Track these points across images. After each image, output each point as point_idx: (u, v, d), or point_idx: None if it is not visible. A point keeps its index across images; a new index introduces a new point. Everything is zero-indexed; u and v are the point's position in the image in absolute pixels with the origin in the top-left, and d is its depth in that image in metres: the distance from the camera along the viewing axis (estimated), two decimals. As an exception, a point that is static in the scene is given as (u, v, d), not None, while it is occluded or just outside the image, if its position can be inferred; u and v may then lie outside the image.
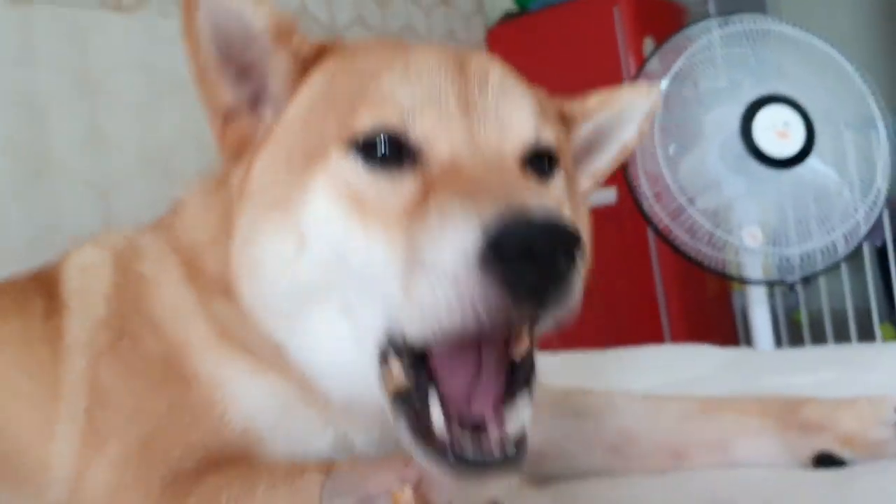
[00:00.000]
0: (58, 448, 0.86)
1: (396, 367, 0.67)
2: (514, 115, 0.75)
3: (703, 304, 3.71)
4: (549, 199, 0.76)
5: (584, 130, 0.94)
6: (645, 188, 2.25)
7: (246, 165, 0.80)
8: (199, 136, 2.35)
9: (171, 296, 0.87)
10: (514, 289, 0.57)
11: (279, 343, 0.78)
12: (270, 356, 0.80)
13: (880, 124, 2.15)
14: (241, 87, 0.80)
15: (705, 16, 4.64)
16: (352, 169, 0.71)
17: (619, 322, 3.34)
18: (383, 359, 0.68)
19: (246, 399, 0.81)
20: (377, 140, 0.71)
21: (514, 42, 3.65)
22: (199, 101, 0.80)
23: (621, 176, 3.34)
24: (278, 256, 0.74)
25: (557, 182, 0.80)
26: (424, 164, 0.70)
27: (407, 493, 0.67)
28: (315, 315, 0.74)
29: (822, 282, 3.50)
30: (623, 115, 0.96)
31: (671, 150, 2.22)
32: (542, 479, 0.94)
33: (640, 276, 3.49)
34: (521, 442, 0.63)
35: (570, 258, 0.58)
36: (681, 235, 2.24)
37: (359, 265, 0.69)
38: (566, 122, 0.91)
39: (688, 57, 2.19)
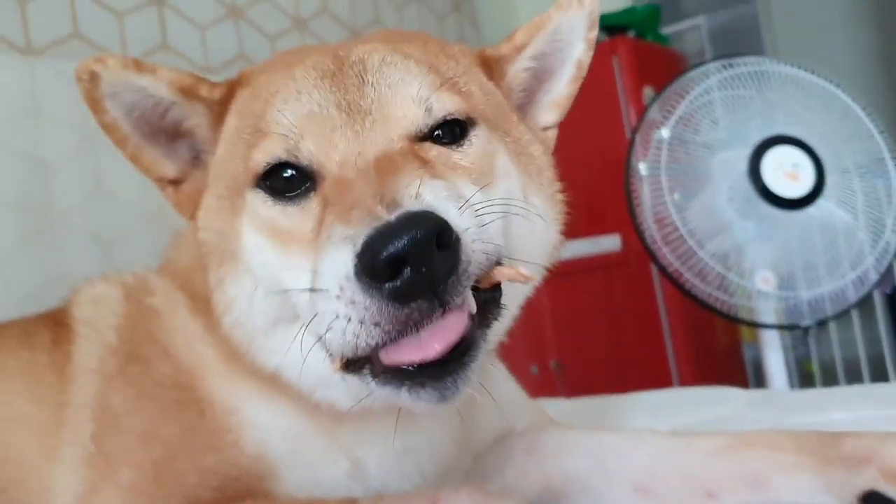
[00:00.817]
0: (62, 474, 0.84)
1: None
2: (398, 99, 0.75)
3: (712, 355, 3.67)
4: (452, 167, 0.76)
5: (520, 65, 0.93)
6: (653, 232, 2.23)
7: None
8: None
9: (180, 325, 0.88)
10: (400, 293, 0.60)
11: (271, 367, 0.79)
12: (271, 377, 0.81)
13: (891, 166, 2.13)
14: (177, 152, 0.83)
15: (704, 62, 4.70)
16: (262, 204, 0.74)
17: (627, 372, 3.29)
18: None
19: (259, 425, 0.81)
20: (275, 172, 0.73)
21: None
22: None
23: (626, 223, 3.36)
24: (243, 298, 0.77)
25: (474, 141, 0.80)
26: (321, 182, 0.72)
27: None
28: (289, 335, 0.75)
29: (832, 330, 3.46)
30: (562, 34, 0.93)
31: (676, 196, 2.21)
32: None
33: (648, 324, 3.44)
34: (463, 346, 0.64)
35: (444, 243, 0.61)
36: (691, 280, 2.21)
37: (288, 282, 0.72)
38: (492, 66, 0.89)
39: (690, 101, 2.19)
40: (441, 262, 0.61)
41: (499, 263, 0.69)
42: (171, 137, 0.83)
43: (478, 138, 0.80)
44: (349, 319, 0.62)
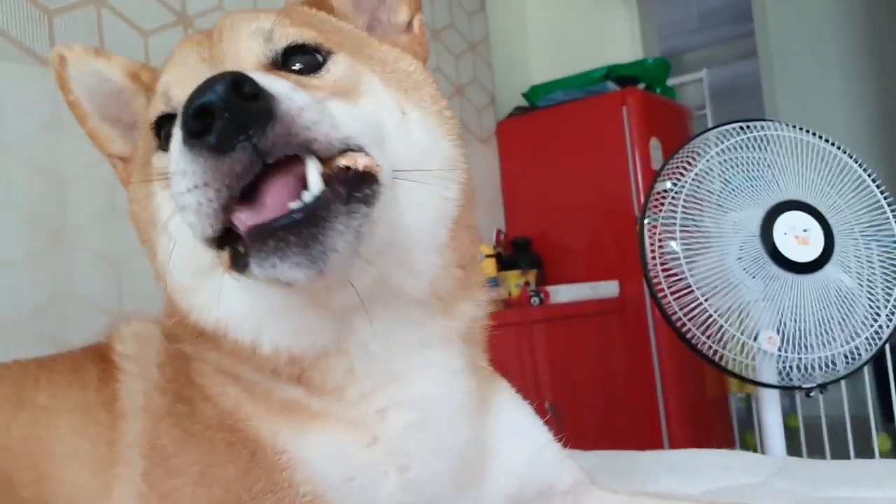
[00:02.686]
0: None
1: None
2: (240, 39, 0.81)
3: (701, 404, 3.70)
4: (326, 82, 0.79)
5: None
6: (661, 280, 2.26)
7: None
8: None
9: (207, 371, 0.89)
10: (214, 145, 0.63)
11: (211, 323, 0.82)
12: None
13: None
14: (130, 132, 0.92)
15: (703, 119, 4.77)
16: (158, 158, 0.81)
17: (617, 415, 3.30)
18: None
19: (310, 459, 0.81)
20: (164, 127, 0.80)
21: (524, 134, 3.71)
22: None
23: (625, 270, 3.41)
24: (167, 260, 0.81)
25: (332, 68, 0.82)
26: None
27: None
28: (213, 283, 0.78)
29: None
30: None
31: (685, 250, 2.24)
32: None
33: (640, 370, 3.48)
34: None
35: (250, 95, 0.63)
36: (694, 332, 2.24)
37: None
38: (322, 5, 0.93)
39: (707, 160, 2.23)
40: (247, 109, 0.63)
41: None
42: (126, 119, 0.92)
43: (337, 65, 0.82)
44: (189, 189, 0.64)
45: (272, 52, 0.81)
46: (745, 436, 4.09)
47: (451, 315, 0.88)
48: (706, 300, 2.21)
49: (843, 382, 3.36)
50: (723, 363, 2.23)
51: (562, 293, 3.17)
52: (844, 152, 2.17)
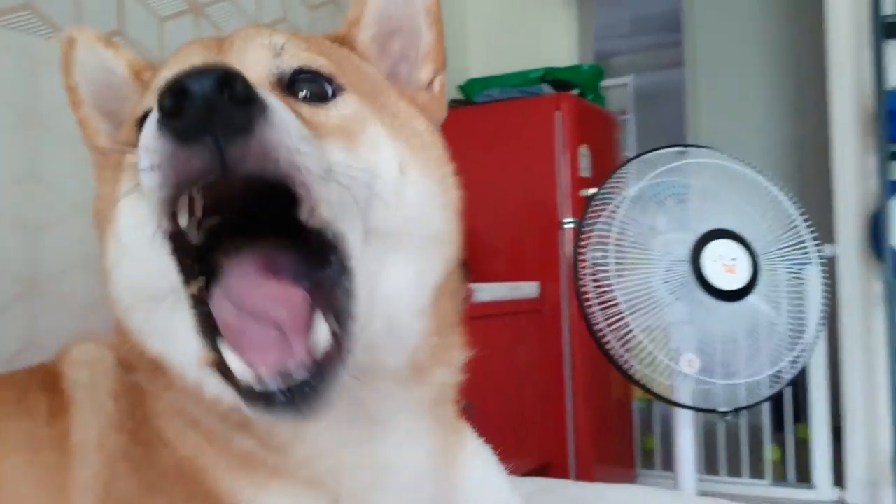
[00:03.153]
0: None
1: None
2: (250, 50, 0.77)
3: (606, 405, 3.80)
4: (330, 118, 0.75)
5: (366, 35, 0.91)
6: (590, 289, 2.30)
7: None
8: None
9: (163, 412, 0.83)
10: (183, 131, 0.57)
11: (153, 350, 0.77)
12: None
13: (818, 274, 2.27)
14: (119, 130, 0.87)
15: (625, 124, 4.87)
16: (133, 156, 0.71)
17: (526, 412, 3.36)
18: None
19: None
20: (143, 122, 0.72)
21: (457, 128, 3.65)
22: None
23: (545, 272, 3.46)
24: (112, 265, 0.77)
25: (340, 103, 0.77)
26: None
27: None
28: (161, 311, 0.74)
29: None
30: (398, 5, 0.92)
31: (616, 266, 2.28)
32: None
33: (551, 370, 3.55)
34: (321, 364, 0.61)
35: (241, 97, 0.58)
36: (614, 345, 2.29)
37: None
38: (343, 38, 0.90)
39: (644, 182, 2.28)
40: (228, 106, 0.58)
41: None
42: (120, 115, 0.87)
43: (346, 103, 0.78)
44: (150, 167, 0.60)
45: (279, 70, 0.76)
46: (644, 438, 4.23)
47: (424, 383, 0.84)
48: (630, 315, 2.27)
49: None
50: (637, 378, 2.30)
51: (484, 292, 3.20)
52: (776, 185, 2.24)
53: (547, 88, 3.59)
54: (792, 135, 5.34)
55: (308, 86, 0.76)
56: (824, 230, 3.58)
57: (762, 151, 5.29)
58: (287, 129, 0.61)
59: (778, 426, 4.08)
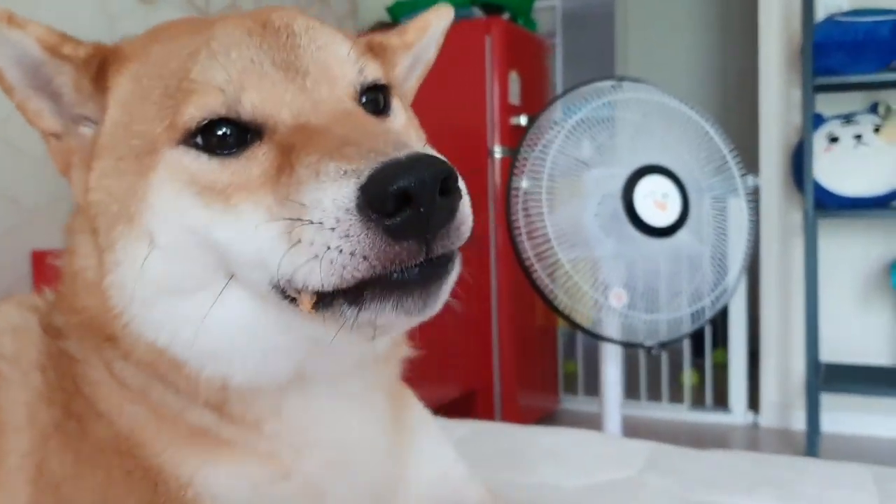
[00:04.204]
0: None
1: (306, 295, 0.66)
2: (332, 59, 0.76)
3: (531, 331, 3.84)
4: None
5: (406, 61, 0.96)
6: (521, 222, 2.28)
7: (81, 185, 0.78)
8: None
9: (100, 378, 0.79)
10: (396, 230, 0.60)
11: (157, 342, 0.74)
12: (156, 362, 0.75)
13: (744, 202, 2.29)
14: (61, 107, 0.80)
15: (553, 48, 4.81)
16: (194, 160, 0.70)
17: (454, 339, 3.37)
18: (287, 297, 0.68)
19: (218, 497, 0.75)
20: (209, 128, 0.70)
21: (383, 52, 3.59)
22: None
23: (476, 203, 3.42)
24: (132, 262, 0.72)
25: (396, 114, 0.81)
26: (270, 134, 0.70)
27: None
28: (183, 306, 0.72)
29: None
30: (431, 38, 0.98)
31: (545, 204, 2.26)
32: None
33: (478, 297, 3.55)
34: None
35: (447, 189, 0.61)
36: (542, 277, 2.29)
37: (226, 237, 0.69)
38: (379, 54, 0.89)
39: (580, 115, 2.24)
40: (441, 208, 0.61)
41: None
42: (54, 93, 0.79)
43: (398, 109, 0.81)
44: (340, 251, 0.61)
45: (361, 86, 0.76)
46: (567, 363, 4.31)
47: (392, 360, 0.87)
48: (560, 248, 2.26)
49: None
50: (563, 311, 2.30)
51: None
52: (709, 122, 2.23)
53: (477, 12, 3.50)
54: (720, 64, 5.37)
55: (370, 96, 0.78)
56: (749, 162, 3.63)
57: (689, 79, 5.31)
58: (468, 204, 0.64)
59: (697, 352, 4.20)
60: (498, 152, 3.40)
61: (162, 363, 0.74)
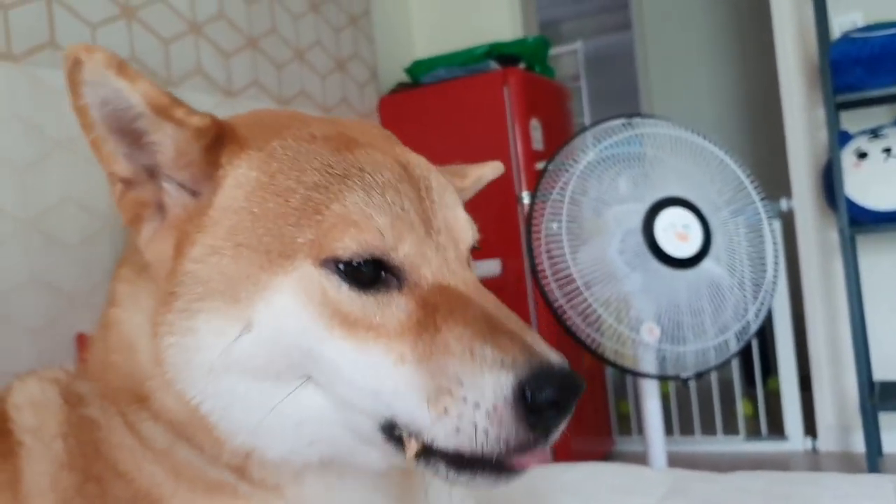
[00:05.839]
0: None
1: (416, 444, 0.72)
2: (455, 221, 0.81)
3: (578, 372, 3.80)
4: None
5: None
6: (546, 267, 2.30)
7: (170, 244, 0.79)
8: (84, 199, 2.24)
9: (121, 441, 0.82)
10: (537, 426, 0.69)
11: (225, 431, 0.76)
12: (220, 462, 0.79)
13: (768, 236, 2.29)
14: (136, 156, 0.80)
15: (578, 91, 4.86)
16: (332, 285, 0.73)
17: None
18: (387, 432, 0.73)
19: None
20: (361, 263, 0.73)
21: (406, 111, 3.67)
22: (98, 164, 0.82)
23: (506, 249, 3.46)
24: (215, 334, 0.73)
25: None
26: (412, 286, 0.74)
27: None
28: (266, 391, 0.74)
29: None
30: (483, 182, 1.07)
31: (569, 240, 2.28)
32: None
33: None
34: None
35: (578, 400, 0.71)
36: (574, 318, 2.30)
37: (346, 369, 0.72)
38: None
39: (590, 157, 2.27)
40: (573, 408, 0.71)
41: None
42: (135, 141, 0.80)
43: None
44: (487, 434, 0.68)
45: (471, 246, 0.84)
46: (619, 403, 4.26)
47: None
48: (587, 289, 2.27)
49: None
50: (600, 352, 2.31)
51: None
52: (722, 150, 2.25)
53: (493, 64, 3.57)
54: (742, 91, 5.37)
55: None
56: (781, 185, 3.61)
57: (713, 109, 5.32)
58: None
59: (749, 381, 4.13)
60: (526, 198, 3.43)
61: (193, 425, 0.76)
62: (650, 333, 2.25)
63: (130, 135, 0.79)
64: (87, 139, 0.79)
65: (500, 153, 3.50)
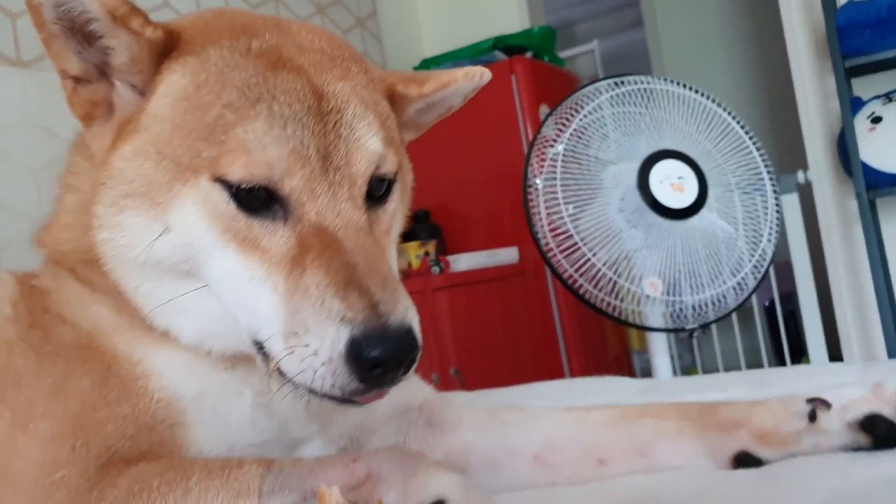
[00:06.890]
0: None
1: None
2: (360, 156, 0.83)
3: (604, 362, 3.80)
4: (383, 222, 0.87)
5: (417, 105, 1.01)
6: (549, 241, 2.31)
7: (110, 139, 0.85)
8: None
9: (69, 296, 0.90)
10: (369, 380, 0.74)
11: (145, 308, 0.85)
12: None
13: (767, 181, 2.28)
14: (88, 56, 0.84)
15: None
16: (223, 201, 0.79)
17: (523, 378, 3.36)
18: (258, 346, 0.80)
19: (164, 371, 0.85)
20: (248, 189, 0.78)
21: (416, 108, 3.72)
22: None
23: (523, 236, 3.47)
24: (139, 232, 0.81)
25: (391, 200, 0.89)
26: (295, 220, 0.79)
27: (335, 492, 0.67)
28: (178, 288, 0.82)
29: (715, 340, 3.65)
30: (457, 92, 1.03)
31: (570, 207, 2.29)
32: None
33: (543, 332, 3.55)
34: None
35: (412, 362, 0.75)
36: (585, 286, 2.30)
37: (232, 283, 0.80)
38: (396, 102, 0.96)
39: (582, 117, 2.29)
40: (407, 368, 0.75)
41: None
42: (86, 41, 0.84)
43: (393, 197, 0.89)
44: (323, 379, 0.73)
45: (374, 178, 0.85)
46: (649, 391, 4.22)
47: None
48: (593, 254, 2.28)
49: (737, 331, 3.53)
50: (616, 314, 2.30)
51: (462, 262, 3.22)
52: (712, 101, 2.25)
53: (499, 55, 3.62)
54: (758, 75, 5.33)
55: (376, 186, 0.86)
56: (801, 164, 3.57)
57: (731, 96, 5.28)
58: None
59: (780, 362, 4.06)
60: (540, 183, 3.46)
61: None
62: (653, 288, 2.24)
63: (83, 35, 0.83)
64: (40, 36, 0.84)
65: (512, 141, 3.54)
